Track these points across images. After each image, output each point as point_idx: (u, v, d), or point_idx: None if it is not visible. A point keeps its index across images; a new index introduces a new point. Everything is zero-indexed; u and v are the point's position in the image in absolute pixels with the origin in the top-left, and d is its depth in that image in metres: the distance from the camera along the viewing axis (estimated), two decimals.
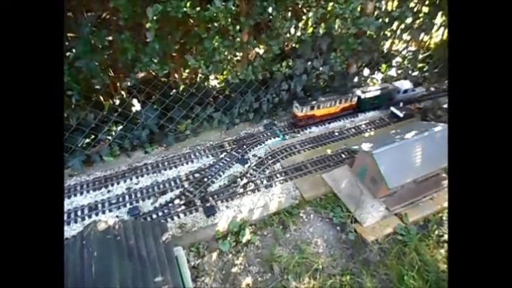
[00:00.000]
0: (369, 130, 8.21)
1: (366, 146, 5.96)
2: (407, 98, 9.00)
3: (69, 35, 5.91)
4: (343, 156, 7.23)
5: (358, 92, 8.43)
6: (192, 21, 6.32)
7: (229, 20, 5.87)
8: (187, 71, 8.23)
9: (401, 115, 8.40)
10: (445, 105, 8.55)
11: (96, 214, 5.73)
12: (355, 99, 8.36)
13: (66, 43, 5.71)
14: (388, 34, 8.48)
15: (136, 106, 7.14)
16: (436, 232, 5.69)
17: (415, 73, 9.81)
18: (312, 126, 8.24)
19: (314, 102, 7.85)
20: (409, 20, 8.01)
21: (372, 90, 8.56)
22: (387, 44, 9.77)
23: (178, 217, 5.74)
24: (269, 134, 7.90)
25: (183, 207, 5.89)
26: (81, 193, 6.12)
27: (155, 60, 5.97)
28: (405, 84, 8.87)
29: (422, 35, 8.97)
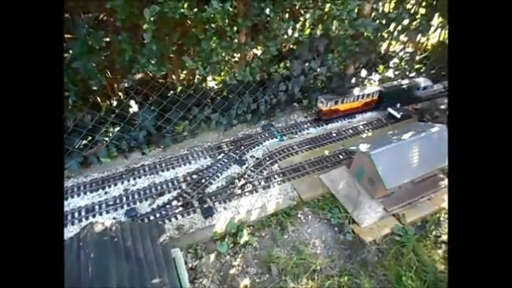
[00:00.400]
0: (366, 131, 8.23)
1: (363, 147, 5.97)
2: (426, 95, 9.17)
3: (66, 36, 5.89)
4: (341, 157, 7.24)
5: (380, 87, 8.67)
6: (189, 22, 6.32)
7: (227, 21, 5.87)
8: (184, 72, 8.23)
9: (398, 116, 8.43)
10: (442, 106, 8.60)
11: (93, 216, 5.70)
12: (376, 95, 8.56)
13: (64, 44, 5.68)
14: (385, 35, 8.53)
15: (134, 107, 7.11)
16: (434, 233, 5.71)
17: (412, 74, 9.86)
18: (337, 120, 8.58)
19: (338, 97, 8.10)
20: (406, 22, 8.05)
21: (393, 86, 8.75)
22: (384, 45, 9.82)
23: (176, 218, 5.72)
24: (267, 135, 7.90)
25: (180, 208, 5.87)
26: (78, 195, 6.08)
27: (152, 62, 5.96)
28: (425, 81, 9.01)
29: (419, 36, 9.02)
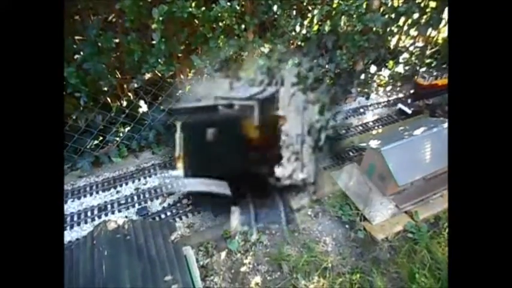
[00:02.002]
0: (376, 127, 8.13)
1: (373, 143, 5.91)
2: None
3: (77, 37, 5.97)
4: (351, 154, 7.17)
5: None
6: (197, 21, 6.32)
7: (234, 19, 5.87)
8: (192, 71, 8.25)
9: (409, 111, 8.29)
10: None
11: (106, 215, 5.79)
12: None
13: (74, 46, 5.77)
14: (395, 30, 8.37)
15: (143, 107, 7.19)
16: (447, 230, 5.61)
17: (423, 69, 9.68)
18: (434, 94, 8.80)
19: (438, 72, 8.42)
20: (416, 16, 7.90)
21: None
22: (394, 40, 9.64)
23: (187, 217, 5.76)
24: None
25: (190, 206, 5.90)
26: (91, 194, 6.18)
27: (161, 61, 6.00)
28: None
29: (429, 30, 8.84)
